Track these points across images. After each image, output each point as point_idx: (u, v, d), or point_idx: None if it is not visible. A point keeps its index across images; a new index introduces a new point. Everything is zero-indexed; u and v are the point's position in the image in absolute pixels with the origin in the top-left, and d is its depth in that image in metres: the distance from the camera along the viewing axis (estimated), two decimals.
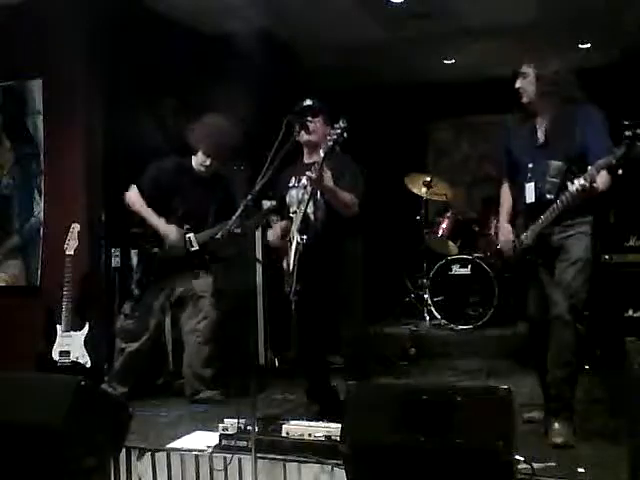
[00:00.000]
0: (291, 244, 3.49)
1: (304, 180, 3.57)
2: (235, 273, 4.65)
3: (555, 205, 3.23)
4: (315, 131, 3.64)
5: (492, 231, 6.51)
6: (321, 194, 3.51)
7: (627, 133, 3.02)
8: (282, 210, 3.78)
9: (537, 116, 3.42)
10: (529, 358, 3.72)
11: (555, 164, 3.25)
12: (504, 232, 3.52)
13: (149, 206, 4.21)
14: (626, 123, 3.15)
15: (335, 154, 3.35)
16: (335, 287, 3.63)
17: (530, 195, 3.35)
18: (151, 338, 4.25)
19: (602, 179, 3.16)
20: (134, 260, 4.53)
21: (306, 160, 3.74)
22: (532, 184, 3.35)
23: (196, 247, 4.18)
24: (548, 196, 3.26)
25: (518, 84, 3.39)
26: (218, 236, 3.25)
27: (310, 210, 3.48)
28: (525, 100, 3.39)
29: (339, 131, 3.27)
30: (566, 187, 3.15)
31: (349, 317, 3.68)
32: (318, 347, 3.83)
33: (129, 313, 4.25)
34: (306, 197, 3.46)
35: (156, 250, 4.19)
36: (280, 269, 3.66)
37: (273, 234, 3.77)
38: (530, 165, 3.37)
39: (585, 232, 3.30)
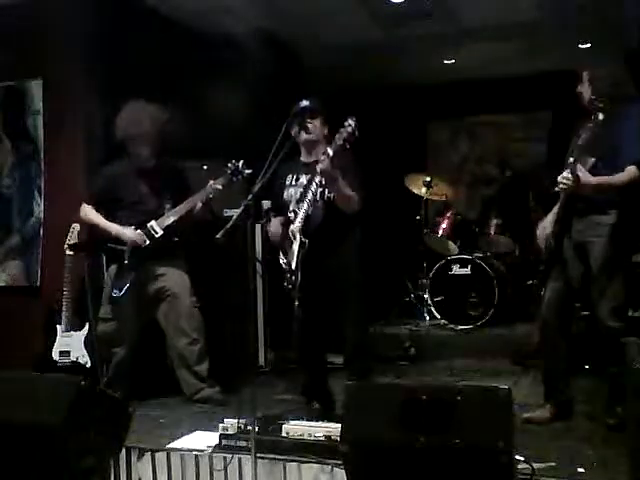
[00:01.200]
0: (292, 242, 3.51)
1: (302, 179, 3.64)
2: (230, 272, 4.66)
3: (560, 200, 3.32)
4: (314, 131, 3.67)
5: (492, 230, 6.53)
6: (321, 193, 3.54)
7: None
8: (280, 208, 3.80)
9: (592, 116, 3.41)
10: (534, 357, 3.82)
11: (588, 160, 3.28)
12: (541, 225, 3.56)
13: (106, 214, 4.23)
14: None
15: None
16: (336, 285, 3.65)
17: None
18: (136, 340, 4.22)
19: (625, 173, 3.21)
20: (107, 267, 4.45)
21: (304, 159, 3.78)
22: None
23: (160, 232, 4.14)
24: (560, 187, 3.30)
25: (579, 88, 3.46)
26: (218, 236, 3.23)
27: (310, 209, 3.52)
28: (584, 103, 3.43)
29: (350, 129, 3.36)
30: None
31: (351, 315, 3.70)
32: (319, 345, 3.85)
33: (107, 317, 4.23)
34: (310, 196, 3.50)
35: (123, 247, 4.16)
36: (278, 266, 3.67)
37: (274, 231, 3.78)
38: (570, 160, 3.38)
39: (605, 232, 3.32)
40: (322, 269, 3.57)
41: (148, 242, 4.14)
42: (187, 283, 4.27)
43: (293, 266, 3.47)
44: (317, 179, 3.46)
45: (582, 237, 3.39)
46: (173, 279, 4.24)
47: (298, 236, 3.49)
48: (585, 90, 3.45)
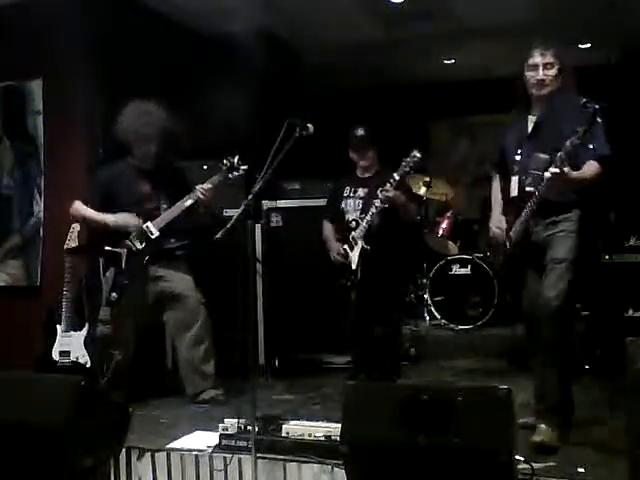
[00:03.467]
0: (352, 247, 4.19)
1: (360, 192, 4.32)
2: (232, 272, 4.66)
3: (534, 198, 3.15)
4: (369, 159, 4.35)
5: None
6: (383, 207, 4.09)
7: (588, 106, 2.99)
8: (338, 216, 4.39)
9: (532, 106, 3.36)
10: (526, 358, 3.63)
11: (540, 157, 3.16)
12: (495, 222, 3.44)
13: (107, 212, 4.20)
14: (584, 100, 3.02)
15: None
16: (389, 280, 4.27)
17: (514, 189, 3.29)
18: (134, 343, 4.21)
19: (588, 168, 3.11)
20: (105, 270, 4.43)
21: (359, 175, 4.42)
22: (516, 177, 3.28)
23: (157, 233, 4.13)
24: (528, 189, 3.18)
25: (542, 75, 3.25)
26: (218, 236, 3.22)
27: (372, 220, 4.14)
28: (543, 92, 3.27)
29: (416, 159, 4.05)
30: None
31: (394, 314, 4.41)
32: (369, 328, 4.32)
33: (107, 319, 4.23)
34: (373, 209, 4.10)
35: (121, 250, 4.15)
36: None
37: (326, 234, 4.45)
38: (517, 158, 3.31)
39: (570, 230, 3.20)
40: (380, 269, 4.16)
41: (145, 244, 4.12)
42: (191, 282, 4.26)
43: (354, 267, 4.15)
44: (380, 197, 4.05)
45: (544, 236, 3.25)
46: (176, 280, 4.23)
47: (360, 242, 4.15)
48: (535, 74, 3.25)
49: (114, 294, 4.08)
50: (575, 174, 3.06)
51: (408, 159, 4.07)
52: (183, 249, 4.34)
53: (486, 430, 2.32)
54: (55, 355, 4.27)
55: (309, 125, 3.53)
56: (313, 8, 5.53)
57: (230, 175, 4.10)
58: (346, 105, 7.10)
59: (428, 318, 6.19)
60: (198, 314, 4.22)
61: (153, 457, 3.26)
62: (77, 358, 4.26)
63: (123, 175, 4.27)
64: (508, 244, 3.36)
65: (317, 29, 5.98)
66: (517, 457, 2.48)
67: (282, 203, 5.12)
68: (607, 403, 3.87)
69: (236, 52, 5.50)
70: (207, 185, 4.12)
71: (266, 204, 5.08)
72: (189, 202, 4.13)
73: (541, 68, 3.25)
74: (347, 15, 5.69)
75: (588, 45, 6.58)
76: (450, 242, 6.45)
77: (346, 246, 4.24)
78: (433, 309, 6.14)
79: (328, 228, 4.48)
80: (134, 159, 4.29)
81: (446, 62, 7.15)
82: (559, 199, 3.18)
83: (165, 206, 4.20)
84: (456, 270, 6.14)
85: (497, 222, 3.44)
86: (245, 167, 4.07)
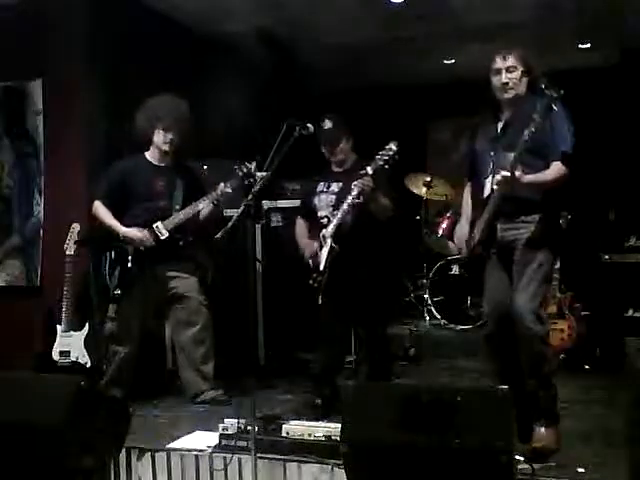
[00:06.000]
0: (322, 246, 3.80)
1: (334, 186, 3.95)
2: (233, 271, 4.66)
3: (493, 198, 3.14)
4: (341, 151, 3.98)
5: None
6: (356, 203, 3.73)
7: (546, 92, 2.99)
8: (310, 213, 4.05)
9: (502, 112, 3.35)
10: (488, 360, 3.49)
11: (507, 155, 3.12)
12: (458, 233, 3.44)
13: (115, 210, 4.20)
14: (542, 86, 3.03)
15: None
16: (362, 283, 3.84)
17: (487, 190, 3.26)
18: (138, 340, 4.20)
19: (552, 170, 3.09)
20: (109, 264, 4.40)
21: (334, 169, 4.05)
22: (489, 179, 3.24)
23: (166, 234, 4.12)
24: (495, 187, 3.13)
25: (505, 79, 3.24)
26: (218, 236, 3.23)
27: (344, 217, 3.77)
28: (508, 96, 3.25)
29: (391, 153, 3.66)
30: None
31: (371, 317, 3.93)
32: (341, 340, 4.06)
33: (114, 316, 4.23)
34: (345, 205, 3.72)
35: (128, 247, 4.14)
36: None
37: (298, 232, 4.10)
38: (491, 161, 3.27)
39: (530, 231, 3.16)
40: (350, 271, 3.78)
41: (153, 243, 4.13)
42: (195, 284, 4.26)
43: (321, 267, 3.75)
44: (354, 192, 3.68)
45: (507, 239, 3.22)
46: (182, 281, 4.23)
47: (329, 241, 3.77)
48: (498, 78, 3.25)
49: (119, 291, 4.09)
50: (528, 177, 3.05)
51: (383, 152, 3.69)
52: (192, 249, 4.32)
53: (486, 430, 2.32)
54: (55, 355, 4.28)
55: (309, 125, 3.53)
56: (313, 8, 5.53)
57: (246, 182, 4.03)
58: (346, 105, 7.09)
59: (428, 318, 6.19)
60: (200, 315, 4.22)
61: (153, 457, 3.26)
62: (77, 358, 4.27)
63: (138, 170, 4.25)
64: (472, 245, 3.31)
65: (317, 29, 5.98)
66: (517, 457, 2.49)
67: (282, 203, 5.13)
68: (607, 403, 3.87)
69: (236, 52, 5.51)
70: (229, 189, 4.06)
71: (266, 204, 5.08)
72: (201, 206, 4.11)
73: (504, 71, 3.24)
74: (347, 15, 5.69)
75: (588, 45, 6.58)
76: (450, 242, 6.44)
77: (316, 245, 3.88)
78: (433, 309, 6.14)
79: (300, 225, 4.14)
80: (151, 154, 4.27)
81: (446, 62, 7.14)
82: (522, 200, 3.14)
83: (178, 207, 4.18)
84: (456, 270, 6.14)
85: (460, 234, 3.41)
86: (262, 174, 3.97)
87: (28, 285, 5.05)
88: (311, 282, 3.75)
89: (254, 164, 3.97)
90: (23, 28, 5.00)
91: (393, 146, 3.67)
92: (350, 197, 3.70)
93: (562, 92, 3.00)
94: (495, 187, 3.09)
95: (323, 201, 3.96)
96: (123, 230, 4.15)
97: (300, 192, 4.27)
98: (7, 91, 5.16)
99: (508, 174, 3.00)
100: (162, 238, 4.13)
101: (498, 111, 3.36)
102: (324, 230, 3.81)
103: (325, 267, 3.75)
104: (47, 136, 5.02)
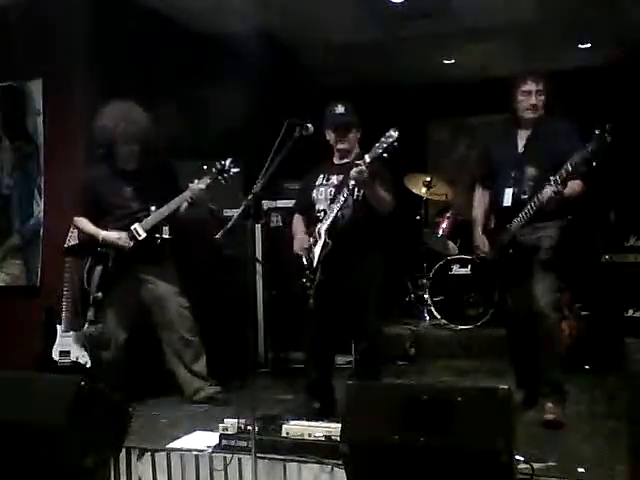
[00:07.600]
0: (316, 241, 3.63)
1: (333, 179, 3.77)
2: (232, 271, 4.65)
3: (529, 207, 3.55)
4: (348, 140, 3.82)
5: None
6: (354, 195, 3.63)
7: (597, 131, 3.33)
8: (308, 207, 3.86)
9: (521, 126, 3.73)
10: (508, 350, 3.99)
11: (531, 170, 3.61)
12: (480, 243, 3.93)
13: (96, 221, 4.20)
14: (596, 132, 3.39)
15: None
16: (357, 284, 3.68)
17: (508, 199, 3.67)
18: (123, 343, 4.18)
19: (572, 186, 3.49)
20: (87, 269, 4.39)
21: (336, 161, 3.88)
22: (511, 189, 3.66)
23: (144, 235, 4.11)
24: (523, 197, 3.59)
25: (535, 101, 3.64)
26: (218, 236, 3.22)
27: (341, 211, 3.63)
28: (533, 116, 3.66)
29: (391, 140, 3.46)
30: (539, 191, 3.48)
31: (367, 318, 3.74)
32: (330, 344, 3.89)
33: (93, 319, 4.22)
34: (342, 198, 3.59)
35: (109, 251, 4.13)
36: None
37: (295, 228, 3.91)
38: (512, 172, 3.67)
39: (550, 235, 3.61)
40: (344, 270, 3.63)
41: (132, 245, 4.11)
42: (174, 287, 4.22)
43: (314, 264, 3.59)
44: (351, 182, 3.53)
45: (532, 242, 3.62)
46: (160, 283, 4.20)
47: (323, 236, 3.60)
48: (527, 99, 3.65)
49: (99, 294, 4.08)
50: (567, 193, 3.49)
51: (383, 139, 3.47)
52: (172, 249, 4.29)
53: (486, 430, 2.32)
54: (55, 355, 4.28)
55: (309, 125, 3.53)
56: (313, 8, 5.53)
57: (219, 177, 4.05)
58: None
59: (428, 318, 6.19)
60: (181, 318, 4.20)
61: (153, 457, 3.26)
62: (77, 358, 4.27)
63: (105, 178, 4.23)
64: (494, 250, 3.81)
65: (317, 29, 5.98)
66: (517, 457, 2.49)
67: (282, 203, 5.13)
68: (607, 403, 3.88)
69: (236, 52, 5.51)
70: (197, 186, 4.06)
71: (266, 204, 5.08)
72: (175, 204, 4.09)
73: (534, 94, 3.65)
74: (347, 15, 5.69)
75: (588, 45, 6.58)
76: (450, 242, 6.44)
77: (311, 240, 3.68)
78: (433, 309, 6.13)
79: (297, 220, 3.94)
80: (115, 161, 4.23)
81: (446, 62, 7.14)
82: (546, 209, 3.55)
83: (154, 208, 4.14)
84: (456, 270, 6.13)
85: (482, 245, 3.93)
86: (237, 170, 4.02)
87: (28, 285, 5.05)
88: (303, 280, 3.61)
89: (229, 160, 4.01)
90: (23, 28, 5.00)
91: (393, 132, 3.49)
92: (346, 189, 3.57)
93: (609, 139, 3.35)
94: (543, 201, 3.47)
95: (322, 194, 3.79)
96: (103, 234, 4.14)
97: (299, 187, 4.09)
98: (7, 91, 5.16)
99: (558, 190, 3.40)
100: (140, 239, 4.11)
101: (517, 127, 3.75)
102: (319, 224, 3.66)
103: (318, 264, 3.58)
104: (47, 136, 5.02)
